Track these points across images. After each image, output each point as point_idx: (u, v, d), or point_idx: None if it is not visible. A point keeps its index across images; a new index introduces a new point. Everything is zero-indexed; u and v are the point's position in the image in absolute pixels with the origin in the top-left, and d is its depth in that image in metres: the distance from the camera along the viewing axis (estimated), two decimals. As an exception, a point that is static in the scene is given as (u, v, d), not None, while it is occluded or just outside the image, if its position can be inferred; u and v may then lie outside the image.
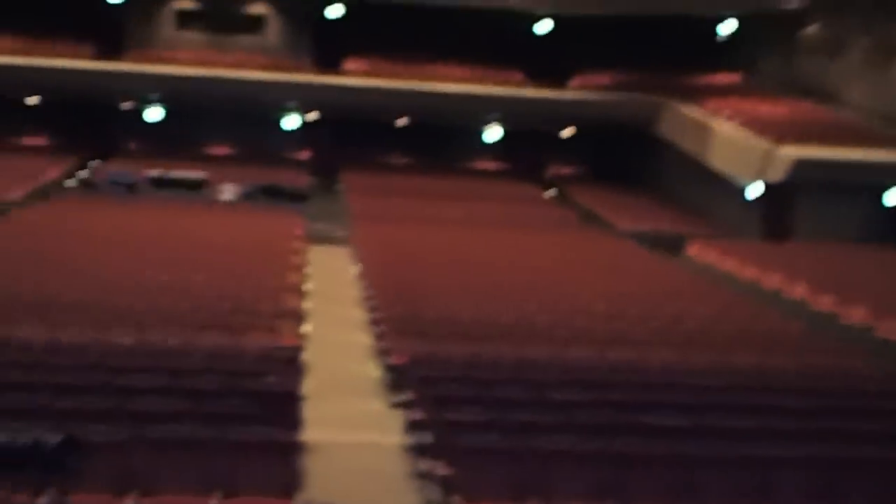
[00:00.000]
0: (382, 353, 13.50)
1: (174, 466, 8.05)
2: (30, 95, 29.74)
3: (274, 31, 32.41)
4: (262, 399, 9.76)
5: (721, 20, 31.17)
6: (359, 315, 16.06)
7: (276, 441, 8.51)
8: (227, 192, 25.01)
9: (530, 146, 33.16)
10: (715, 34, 31.75)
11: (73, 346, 11.80)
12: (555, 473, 8.60)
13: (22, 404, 9.14)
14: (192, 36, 31.86)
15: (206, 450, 8.19)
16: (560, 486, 8.54)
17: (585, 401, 10.80)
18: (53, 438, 6.37)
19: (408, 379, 11.37)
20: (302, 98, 28.48)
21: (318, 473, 8.81)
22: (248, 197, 25.19)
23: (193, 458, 8.12)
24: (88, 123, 30.35)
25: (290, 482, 8.11)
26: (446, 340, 13.16)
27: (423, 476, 9.18)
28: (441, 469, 8.69)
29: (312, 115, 29.22)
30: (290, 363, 11.51)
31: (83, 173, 27.92)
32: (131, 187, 24.97)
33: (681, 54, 31.30)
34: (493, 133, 31.31)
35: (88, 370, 10.81)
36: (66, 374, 10.63)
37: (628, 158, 32.87)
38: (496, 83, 30.86)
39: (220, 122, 29.56)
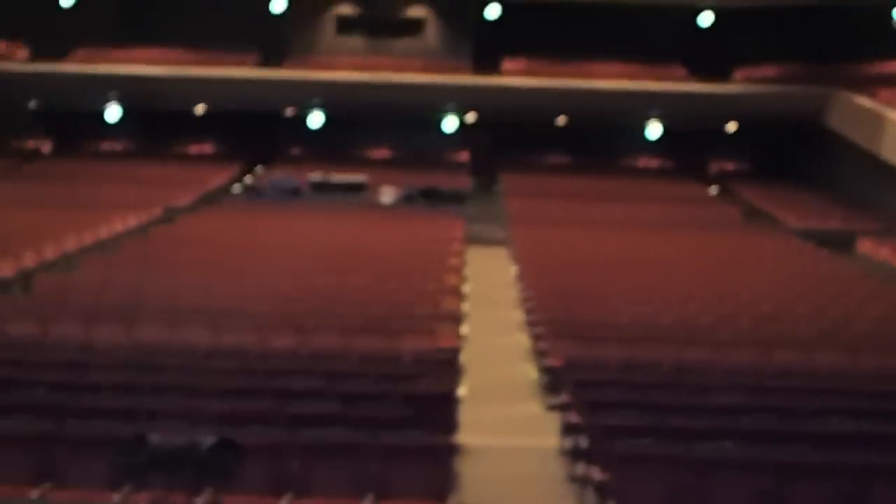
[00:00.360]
0: (539, 355, 13.38)
1: (328, 469, 8.12)
2: (196, 105, 30.72)
3: (432, 34, 32.64)
4: (418, 402, 9.77)
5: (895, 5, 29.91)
6: (516, 317, 15.97)
7: (430, 444, 8.50)
8: (387, 195, 25.27)
9: (692, 143, 32.51)
10: (888, 20, 30.46)
11: (233, 350, 12.07)
12: (714, 482, 8.32)
13: (181, 406, 9.38)
14: (352, 41, 32.35)
15: (360, 453, 8.24)
16: (719, 494, 8.27)
17: (748, 406, 10.44)
18: (209, 440, 6.46)
19: (564, 381, 11.23)
20: (460, 100, 28.58)
21: (473, 477, 8.76)
22: (407, 200, 25.41)
23: (347, 461, 8.18)
24: (252, 130, 31.14)
25: (444, 486, 8.09)
26: (604, 343, 12.95)
27: (579, 481, 9.04)
28: (596, 474, 8.53)
29: (471, 117, 29.29)
30: (446, 366, 11.50)
31: (248, 179, 28.67)
32: (294, 192, 25.49)
33: (850, 43, 30.17)
34: (653, 130, 30.79)
35: (247, 373, 11.04)
36: (225, 377, 10.87)
37: (794, 153, 31.87)
38: (656, 79, 30.35)
39: (379, 126, 29.92)
